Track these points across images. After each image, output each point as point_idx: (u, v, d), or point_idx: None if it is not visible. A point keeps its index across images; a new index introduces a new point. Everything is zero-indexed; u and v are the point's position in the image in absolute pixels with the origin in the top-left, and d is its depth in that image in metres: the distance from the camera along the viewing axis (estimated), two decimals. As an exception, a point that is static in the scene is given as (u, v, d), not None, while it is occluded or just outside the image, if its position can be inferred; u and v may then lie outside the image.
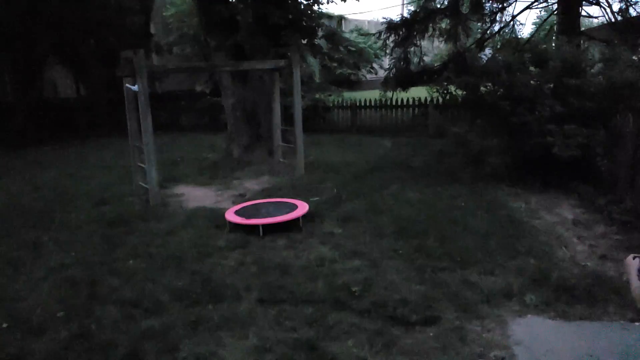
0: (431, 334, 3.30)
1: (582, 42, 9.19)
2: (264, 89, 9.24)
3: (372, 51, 24.78)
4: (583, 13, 10.37)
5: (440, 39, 11.59)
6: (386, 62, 16.73)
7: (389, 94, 12.41)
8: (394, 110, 13.48)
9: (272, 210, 5.73)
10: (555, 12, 10.63)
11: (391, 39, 11.05)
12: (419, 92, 12.20)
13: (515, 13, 20.56)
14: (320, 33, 11.74)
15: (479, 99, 7.29)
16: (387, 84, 11.57)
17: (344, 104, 14.26)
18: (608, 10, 9.92)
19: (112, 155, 10.91)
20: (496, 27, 11.45)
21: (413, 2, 13.23)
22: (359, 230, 5.32)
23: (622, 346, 3.15)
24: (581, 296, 3.67)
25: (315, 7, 10.08)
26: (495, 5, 10.93)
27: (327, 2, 11.02)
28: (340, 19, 17.01)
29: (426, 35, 11.08)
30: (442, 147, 9.34)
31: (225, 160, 9.50)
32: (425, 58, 12.21)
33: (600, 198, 5.86)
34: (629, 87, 6.12)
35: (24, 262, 4.77)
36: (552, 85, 6.74)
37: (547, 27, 14.27)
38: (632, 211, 5.26)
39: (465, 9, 10.61)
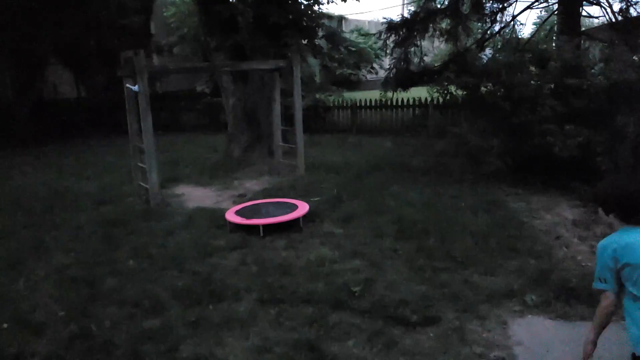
0: (431, 334, 3.30)
1: (582, 42, 9.17)
2: (264, 89, 9.24)
3: (373, 51, 24.80)
4: (583, 13, 10.35)
5: (441, 39, 11.56)
6: (386, 62, 16.72)
7: (389, 94, 12.39)
8: (394, 110, 13.49)
9: (272, 211, 5.73)
10: (556, 12, 10.62)
11: (391, 39, 11.02)
12: (419, 93, 12.19)
13: (515, 13, 20.51)
14: (320, 33, 11.73)
15: (480, 99, 7.29)
16: (387, 84, 11.54)
17: (344, 104, 14.26)
18: (608, 10, 9.90)
19: (112, 155, 10.92)
20: (496, 27, 11.41)
21: (413, 2, 13.22)
22: (359, 230, 5.32)
23: (623, 346, 3.15)
24: (582, 296, 3.67)
25: (316, 7, 10.08)
26: (495, 6, 10.90)
27: (328, 2, 11.04)
28: (341, 19, 17.05)
29: (426, 36, 11.05)
30: (443, 148, 9.33)
31: (226, 160, 9.50)
32: (425, 58, 12.17)
33: (601, 198, 5.85)
34: (629, 87, 6.12)
35: (24, 262, 4.78)
36: (552, 86, 6.73)
37: (548, 27, 14.25)
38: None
39: (465, 9, 10.59)
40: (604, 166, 5.98)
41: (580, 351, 2.24)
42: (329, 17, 14.05)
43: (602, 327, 2.13)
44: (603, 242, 2.04)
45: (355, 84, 24.32)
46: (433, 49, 16.80)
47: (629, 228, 1.99)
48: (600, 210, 2.08)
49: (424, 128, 12.47)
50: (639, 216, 1.97)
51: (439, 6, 11.00)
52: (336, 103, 14.44)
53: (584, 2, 9.85)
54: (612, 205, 2.05)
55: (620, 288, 2.00)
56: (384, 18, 11.10)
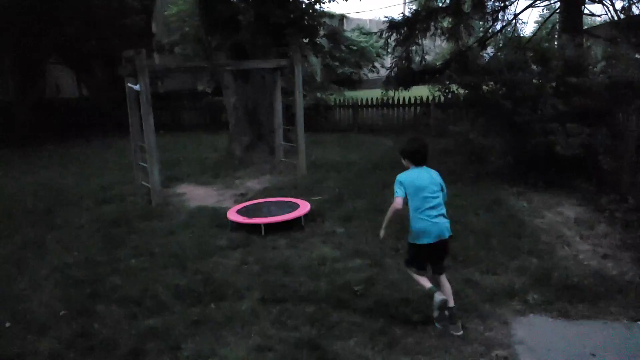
0: (433, 333, 3.30)
1: (584, 40, 9.15)
2: (266, 88, 9.24)
3: (374, 50, 24.73)
4: (585, 11, 10.32)
5: (442, 37, 11.55)
6: (388, 61, 16.71)
7: (391, 93, 12.39)
8: (395, 109, 13.49)
9: (273, 210, 5.73)
10: (558, 11, 10.60)
11: (393, 37, 11.02)
12: (421, 91, 12.19)
13: (517, 11, 20.52)
14: (321, 32, 11.71)
15: (481, 98, 7.26)
16: (388, 83, 11.53)
17: (346, 103, 14.27)
18: (610, 8, 9.89)
19: (114, 154, 10.94)
20: (498, 26, 11.39)
21: (415, 0, 13.21)
22: (360, 229, 5.32)
23: (625, 345, 3.15)
24: (583, 295, 3.67)
25: (317, 6, 10.07)
26: (497, 4, 10.90)
27: (329, 1, 11.02)
28: (342, 18, 17.07)
29: (428, 34, 11.05)
30: (444, 146, 9.32)
31: (227, 159, 9.50)
32: (427, 57, 12.17)
33: (603, 197, 5.84)
34: (632, 85, 6.10)
35: (27, 262, 4.79)
36: (554, 84, 6.71)
37: (550, 25, 14.22)
38: (634, 210, 5.25)
39: (467, 7, 10.57)
40: (606, 165, 5.96)
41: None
42: (330, 15, 14.05)
43: (390, 220, 3.47)
44: (399, 175, 3.42)
45: (356, 83, 24.28)
46: (434, 47, 16.79)
47: (414, 167, 3.50)
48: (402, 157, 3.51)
49: (425, 127, 12.46)
50: (418, 162, 3.50)
51: (440, 5, 11.00)
52: (337, 102, 14.45)
53: (586, 0, 9.83)
54: (405, 155, 3.53)
55: (406, 205, 3.33)
56: (386, 17, 11.11)
